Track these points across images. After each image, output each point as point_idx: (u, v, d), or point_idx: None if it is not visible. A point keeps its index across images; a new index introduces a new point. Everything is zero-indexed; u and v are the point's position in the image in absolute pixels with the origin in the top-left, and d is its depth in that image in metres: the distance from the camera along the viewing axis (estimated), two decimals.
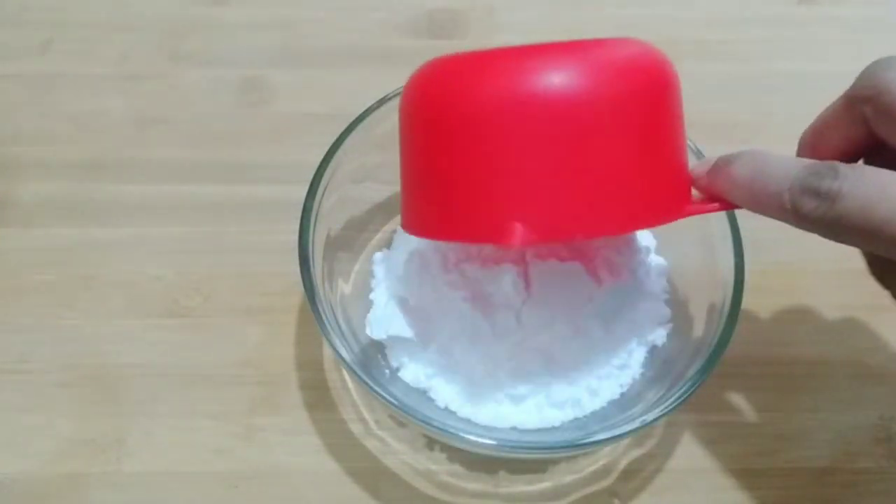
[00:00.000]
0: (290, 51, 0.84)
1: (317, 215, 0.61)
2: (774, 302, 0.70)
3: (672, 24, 0.86)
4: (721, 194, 0.51)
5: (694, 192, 0.52)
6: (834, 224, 0.44)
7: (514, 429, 0.61)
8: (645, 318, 0.64)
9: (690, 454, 0.65)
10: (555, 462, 0.64)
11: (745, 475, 0.64)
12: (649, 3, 0.88)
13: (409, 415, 0.54)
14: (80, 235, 0.73)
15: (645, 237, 0.67)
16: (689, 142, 0.63)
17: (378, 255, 0.67)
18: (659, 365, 0.63)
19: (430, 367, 0.62)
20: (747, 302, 0.58)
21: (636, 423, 0.55)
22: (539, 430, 0.61)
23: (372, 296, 0.65)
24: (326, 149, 0.62)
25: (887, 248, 0.43)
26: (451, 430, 0.54)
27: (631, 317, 0.63)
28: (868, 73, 0.51)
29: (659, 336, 0.63)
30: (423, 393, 0.62)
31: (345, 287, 0.66)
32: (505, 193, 0.47)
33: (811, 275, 0.72)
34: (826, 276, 0.72)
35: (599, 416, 0.62)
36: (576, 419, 0.62)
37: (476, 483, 0.63)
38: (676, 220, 0.51)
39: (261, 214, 0.73)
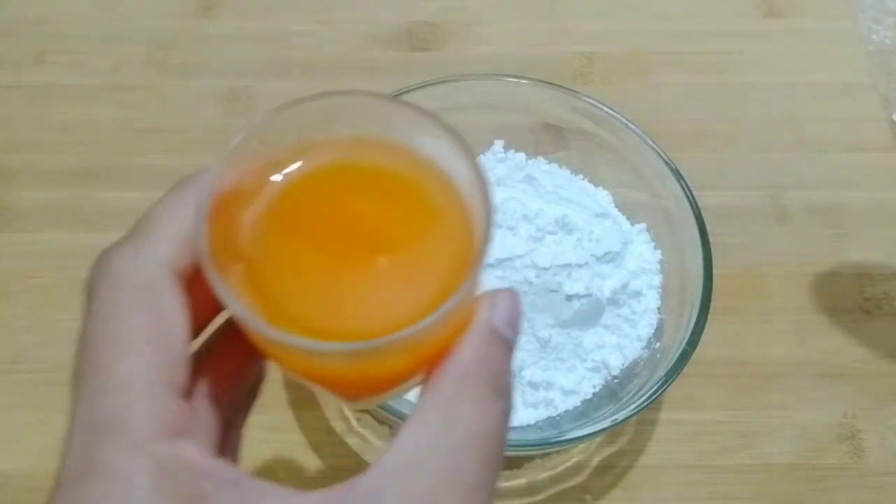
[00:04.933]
0: (276, 62, 0.85)
1: None
2: (741, 304, 0.72)
3: (643, 36, 0.87)
4: None
5: None
6: None
7: None
8: (617, 323, 0.65)
9: (661, 451, 0.66)
10: (529, 459, 0.66)
11: (714, 471, 0.65)
12: (621, 17, 0.89)
13: (389, 413, 0.55)
14: (72, 240, 0.74)
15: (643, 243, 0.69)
16: (660, 151, 0.65)
17: None
18: (630, 366, 0.64)
19: None
20: (715, 304, 0.60)
21: (608, 422, 0.57)
22: (514, 429, 0.62)
23: None
24: None
25: None
26: None
27: (606, 322, 0.65)
28: None
29: (630, 341, 0.65)
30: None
31: None
32: None
33: (777, 278, 0.73)
34: (791, 278, 0.73)
35: (572, 415, 0.63)
36: (549, 418, 0.63)
37: None
38: None
39: None
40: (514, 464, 0.65)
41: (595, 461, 0.66)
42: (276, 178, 0.36)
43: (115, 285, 0.32)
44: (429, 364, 0.33)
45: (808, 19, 0.88)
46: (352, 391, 0.38)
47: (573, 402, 0.63)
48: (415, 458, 0.30)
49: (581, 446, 0.66)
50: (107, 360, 0.31)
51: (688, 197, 0.63)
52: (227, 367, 0.36)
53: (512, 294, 0.34)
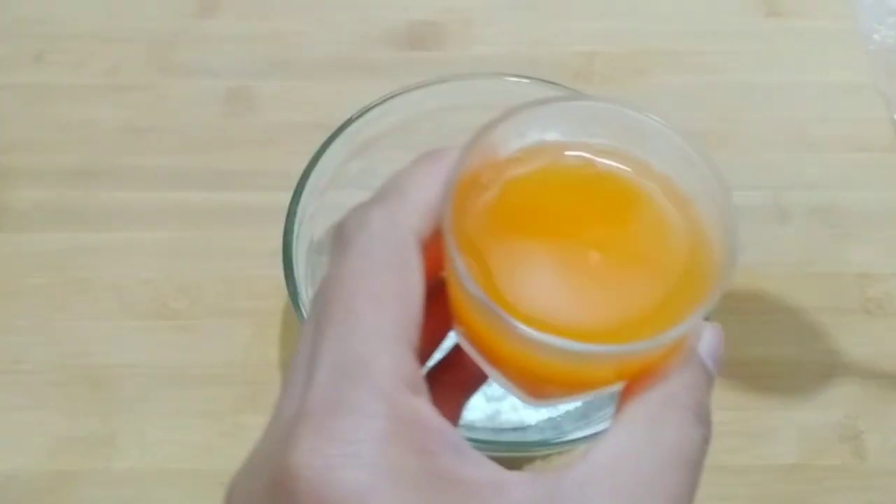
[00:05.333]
0: (276, 62, 0.85)
1: (300, 220, 0.61)
2: (744, 304, 0.72)
3: (644, 36, 0.87)
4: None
5: None
6: None
7: (489, 428, 0.62)
8: None
9: None
10: (530, 461, 0.65)
11: (715, 472, 0.65)
12: (622, 16, 0.89)
13: None
14: (72, 240, 0.74)
15: None
16: None
17: None
18: None
19: None
20: (717, 304, 0.59)
21: (609, 422, 0.56)
22: (515, 430, 0.62)
23: None
24: (310, 157, 0.63)
25: None
26: None
27: None
28: None
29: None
30: None
31: None
32: None
33: (778, 278, 0.73)
34: (792, 279, 0.73)
35: (573, 415, 0.63)
36: (550, 419, 0.63)
37: None
38: None
39: (247, 220, 0.75)
40: (514, 465, 0.64)
41: None
42: (512, 173, 0.37)
43: (372, 241, 0.34)
44: (631, 376, 0.34)
45: (809, 19, 0.88)
46: (541, 387, 0.39)
47: (574, 402, 0.63)
48: (620, 463, 0.31)
49: (582, 447, 0.65)
50: (359, 307, 0.32)
51: None
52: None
53: (718, 330, 0.36)
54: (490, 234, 0.35)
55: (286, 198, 0.61)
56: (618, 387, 0.35)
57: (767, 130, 0.81)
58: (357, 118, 0.65)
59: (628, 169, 0.37)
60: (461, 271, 0.32)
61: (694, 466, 0.33)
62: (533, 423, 0.62)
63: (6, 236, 0.74)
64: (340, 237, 0.35)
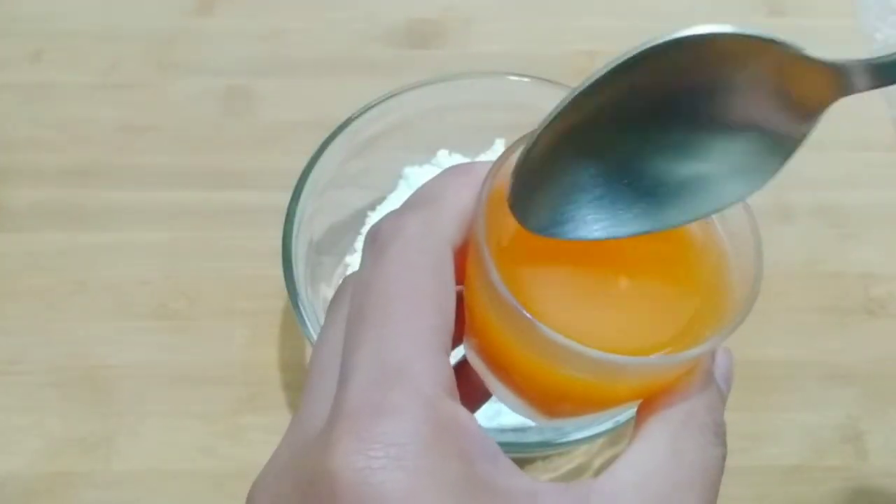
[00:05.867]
0: (275, 61, 0.85)
1: (300, 220, 0.61)
2: None
3: (644, 34, 0.85)
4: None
5: None
6: None
7: (490, 429, 0.62)
8: None
9: None
10: (531, 461, 0.65)
11: None
12: (623, 14, 0.89)
13: None
14: (70, 240, 0.74)
15: None
16: None
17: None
18: None
19: None
20: None
21: (610, 423, 0.56)
22: (515, 430, 0.62)
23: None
24: (309, 156, 0.63)
25: None
26: None
27: None
28: None
29: None
30: None
31: (327, 290, 0.67)
32: None
33: (781, 278, 0.73)
34: (795, 278, 0.73)
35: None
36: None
37: None
38: None
39: (246, 220, 0.74)
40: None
41: (597, 463, 0.66)
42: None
43: (409, 246, 0.34)
44: (648, 394, 0.35)
45: (812, 18, 0.88)
46: (556, 405, 0.39)
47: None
48: (647, 480, 0.32)
49: (583, 448, 0.66)
50: (398, 311, 0.32)
51: None
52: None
53: (729, 354, 0.38)
54: (520, 248, 0.36)
55: (285, 197, 0.61)
56: (632, 406, 0.36)
57: None
58: (357, 117, 0.65)
59: None
60: (495, 278, 0.32)
61: (714, 486, 0.34)
62: (533, 424, 0.62)
63: (3, 236, 0.74)
64: (375, 242, 0.35)
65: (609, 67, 0.33)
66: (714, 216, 0.37)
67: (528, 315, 0.32)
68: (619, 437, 0.66)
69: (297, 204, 0.61)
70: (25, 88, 0.83)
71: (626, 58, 0.33)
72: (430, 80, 0.67)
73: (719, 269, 0.36)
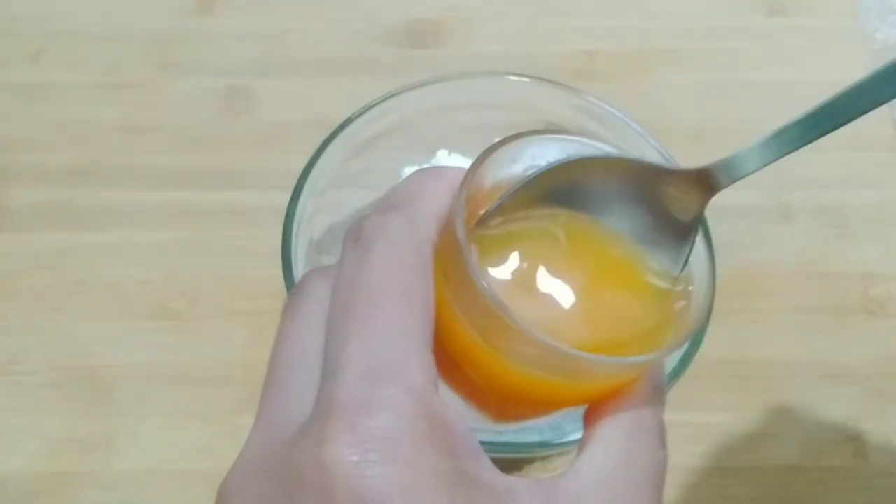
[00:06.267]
0: (274, 60, 0.85)
1: (300, 220, 0.61)
2: (744, 304, 0.72)
3: (645, 34, 0.87)
4: None
5: None
6: None
7: (490, 429, 0.62)
8: None
9: None
10: (530, 461, 0.65)
11: (716, 473, 0.65)
12: (623, 14, 0.89)
13: None
14: (69, 240, 0.74)
15: None
16: (662, 150, 0.64)
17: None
18: None
19: None
20: (717, 304, 0.59)
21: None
22: (514, 430, 0.62)
23: None
24: (309, 156, 0.63)
25: None
26: None
27: None
28: None
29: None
30: None
31: None
32: None
33: (780, 277, 0.73)
34: (794, 278, 0.73)
35: (574, 415, 0.62)
36: (550, 419, 0.62)
37: None
38: None
39: (246, 220, 0.74)
40: (514, 466, 0.65)
41: None
42: (512, 194, 0.38)
43: (395, 244, 0.35)
44: (594, 400, 0.37)
45: (812, 17, 0.88)
46: (509, 406, 0.41)
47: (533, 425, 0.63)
48: (606, 478, 0.34)
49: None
50: (387, 308, 0.33)
51: None
52: None
53: (661, 364, 0.40)
54: (491, 252, 0.37)
55: (285, 197, 0.61)
56: (581, 408, 0.38)
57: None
58: (357, 117, 0.65)
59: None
60: (475, 271, 0.33)
61: (661, 484, 0.35)
62: (533, 424, 0.62)
63: (3, 236, 0.74)
64: (358, 240, 0.35)
65: (524, 180, 0.38)
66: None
67: (509, 311, 0.32)
68: None
69: (296, 204, 0.61)
70: (25, 88, 0.83)
71: (532, 175, 0.38)
72: (429, 80, 0.67)
73: (682, 282, 0.39)
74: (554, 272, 0.38)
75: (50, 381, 0.67)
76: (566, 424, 0.61)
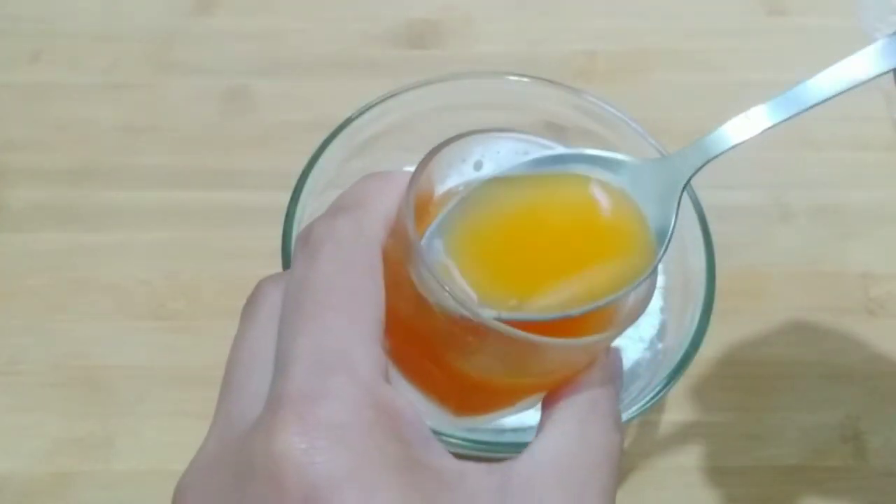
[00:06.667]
0: (274, 60, 0.85)
1: (300, 220, 0.61)
2: (744, 304, 0.72)
3: (644, 34, 0.87)
4: None
5: None
6: None
7: (490, 429, 0.62)
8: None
9: (664, 453, 0.66)
10: None
11: (717, 473, 0.65)
12: (622, 15, 0.89)
13: None
14: (69, 240, 0.74)
15: None
16: (662, 150, 0.64)
17: None
18: (632, 367, 0.64)
19: None
20: (718, 304, 0.59)
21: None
22: (516, 430, 0.62)
23: None
24: (309, 156, 0.63)
25: None
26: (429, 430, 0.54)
27: None
28: None
29: (631, 342, 0.64)
30: None
31: None
32: None
33: (780, 277, 0.73)
34: (795, 278, 0.73)
35: None
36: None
37: None
38: None
39: (245, 220, 0.74)
40: None
41: None
42: (465, 188, 0.40)
43: (342, 245, 0.36)
44: (551, 387, 0.38)
45: (812, 17, 0.88)
46: (464, 402, 0.41)
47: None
48: (559, 460, 0.35)
49: None
50: (334, 304, 0.34)
51: (690, 196, 0.63)
52: None
53: (618, 352, 0.41)
54: (448, 244, 0.38)
55: (285, 197, 0.61)
56: (538, 397, 0.39)
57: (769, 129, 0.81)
58: (356, 117, 0.65)
59: (579, 174, 0.42)
60: (430, 265, 0.34)
61: (616, 467, 0.36)
62: (533, 424, 0.61)
63: (2, 236, 0.74)
64: (307, 244, 0.36)
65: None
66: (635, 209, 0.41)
67: (468, 302, 0.34)
68: None
69: (296, 204, 0.61)
70: (24, 88, 0.83)
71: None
72: (429, 79, 0.67)
73: (633, 244, 0.40)
74: (510, 248, 0.39)
75: (50, 382, 0.67)
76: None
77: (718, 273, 0.60)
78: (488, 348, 0.36)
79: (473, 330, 0.34)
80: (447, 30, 0.88)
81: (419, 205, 0.37)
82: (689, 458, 0.66)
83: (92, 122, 0.81)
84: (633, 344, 0.64)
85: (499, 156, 0.40)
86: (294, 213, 0.61)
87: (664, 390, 0.57)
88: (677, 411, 0.67)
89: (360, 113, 0.65)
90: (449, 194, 0.40)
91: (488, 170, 0.40)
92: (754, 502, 0.65)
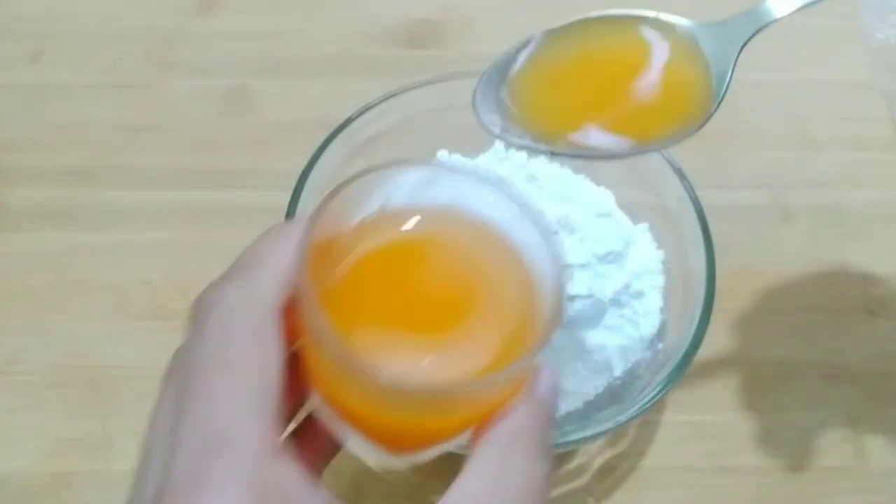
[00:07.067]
0: (274, 61, 0.85)
1: None
2: (744, 304, 0.72)
3: None
4: None
5: None
6: None
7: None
8: (619, 324, 0.65)
9: (663, 453, 0.66)
10: None
11: (717, 473, 0.65)
12: None
13: None
14: (69, 240, 0.74)
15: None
16: (662, 151, 0.64)
17: None
18: (632, 367, 0.64)
19: None
20: (718, 304, 0.59)
21: (610, 424, 0.56)
22: None
23: None
24: (309, 156, 0.63)
25: None
26: None
27: (608, 323, 0.64)
28: None
29: (632, 342, 0.64)
30: None
31: None
32: None
33: (780, 277, 0.73)
34: (795, 278, 0.73)
35: (574, 416, 0.62)
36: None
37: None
38: None
39: (245, 220, 0.74)
40: None
41: (597, 463, 0.66)
42: (359, 239, 0.39)
43: (225, 318, 0.35)
44: (479, 422, 0.36)
45: (812, 17, 0.87)
46: (400, 442, 0.40)
47: (575, 403, 0.63)
48: (477, 502, 0.34)
49: (583, 448, 0.66)
50: (218, 380, 0.33)
51: (690, 196, 0.63)
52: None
53: (553, 370, 0.38)
54: (344, 297, 0.37)
55: (285, 197, 0.61)
56: (468, 435, 0.38)
57: (769, 129, 0.81)
58: (357, 117, 0.65)
59: (469, 228, 0.40)
60: (323, 326, 0.33)
61: (542, 500, 0.35)
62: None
63: (3, 236, 0.74)
64: (197, 315, 0.36)
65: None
66: (518, 246, 0.39)
67: (360, 361, 0.33)
68: (617, 437, 0.67)
69: (297, 204, 0.61)
70: (25, 88, 0.83)
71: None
72: (429, 80, 0.67)
73: (531, 297, 0.38)
74: (410, 298, 0.39)
75: (50, 381, 0.67)
76: (567, 425, 0.61)
77: (719, 273, 0.60)
78: (394, 399, 0.35)
79: (374, 384, 0.34)
80: (447, 30, 0.88)
81: (326, 247, 0.37)
82: (689, 457, 0.66)
83: (92, 122, 0.81)
84: (633, 344, 0.64)
85: (404, 188, 0.40)
86: (294, 212, 0.61)
87: (664, 390, 0.57)
88: (677, 411, 0.67)
89: (361, 113, 0.65)
90: (363, 226, 0.40)
91: (398, 202, 0.40)
92: (755, 502, 0.65)
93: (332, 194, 0.37)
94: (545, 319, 0.37)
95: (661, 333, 0.64)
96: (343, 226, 0.39)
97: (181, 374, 0.34)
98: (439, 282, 0.39)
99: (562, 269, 0.37)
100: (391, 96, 0.66)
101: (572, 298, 0.61)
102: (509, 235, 0.39)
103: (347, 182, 0.38)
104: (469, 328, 0.38)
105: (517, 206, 0.39)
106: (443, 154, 0.71)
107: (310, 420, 0.41)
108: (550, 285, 0.37)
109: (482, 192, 0.40)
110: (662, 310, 0.65)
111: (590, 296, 0.61)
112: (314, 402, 0.40)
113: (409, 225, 0.40)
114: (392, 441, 0.40)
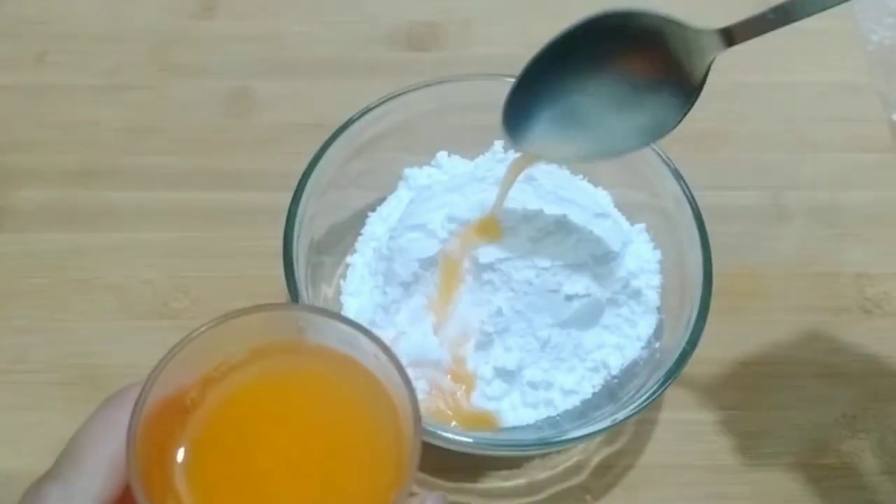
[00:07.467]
0: (276, 62, 0.85)
1: (301, 221, 0.62)
2: (741, 304, 0.72)
3: None
4: None
5: None
6: None
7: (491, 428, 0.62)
8: (617, 323, 0.65)
9: (661, 451, 0.66)
10: (529, 459, 0.66)
11: (714, 471, 0.65)
12: None
13: None
14: (72, 241, 0.74)
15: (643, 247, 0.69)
16: (659, 151, 0.65)
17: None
18: (630, 366, 0.64)
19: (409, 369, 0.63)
20: (715, 304, 0.59)
21: (608, 422, 0.57)
22: (514, 429, 0.62)
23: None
24: (310, 157, 0.63)
25: None
26: (430, 428, 0.55)
27: (605, 322, 0.65)
28: None
29: (629, 341, 0.65)
30: None
31: (327, 290, 0.67)
32: None
33: (777, 277, 0.73)
34: (792, 278, 0.73)
35: (572, 414, 0.63)
36: (549, 418, 0.62)
37: (453, 479, 0.65)
38: None
39: (247, 220, 0.75)
40: (513, 464, 0.65)
41: (595, 461, 0.66)
42: (205, 394, 0.38)
43: None
44: None
45: (809, 19, 0.87)
46: None
47: (573, 401, 0.63)
48: None
49: (581, 446, 0.66)
50: None
51: (687, 197, 0.63)
52: None
53: (441, 498, 0.39)
54: (190, 468, 0.36)
55: (286, 198, 0.62)
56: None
57: (766, 130, 0.81)
58: (357, 119, 0.65)
59: (324, 367, 0.40)
60: None
61: None
62: (532, 423, 0.62)
63: (7, 236, 0.74)
64: None
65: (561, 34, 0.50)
66: (377, 374, 0.38)
67: None
68: (615, 435, 0.67)
69: (298, 205, 0.62)
70: (28, 90, 0.83)
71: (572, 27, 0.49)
72: (430, 81, 0.68)
73: (396, 434, 0.38)
74: (266, 461, 0.38)
75: (53, 381, 0.68)
76: (565, 423, 0.62)
77: (716, 273, 0.60)
78: None
79: None
80: (447, 32, 0.88)
81: (171, 409, 0.36)
82: (686, 456, 0.66)
83: (95, 124, 0.81)
84: (630, 343, 0.64)
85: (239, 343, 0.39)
86: (296, 213, 0.61)
87: (661, 389, 0.57)
88: (674, 410, 0.67)
89: (361, 114, 0.66)
90: (225, 366, 0.39)
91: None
92: (750, 501, 0.65)
93: (170, 357, 0.37)
94: (404, 459, 0.36)
95: (658, 332, 0.65)
96: (182, 385, 0.38)
97: None
98: (301, 430, 0.38)
99: (416, 414, 0.36)
100: (391, 98, 0.67)
101: (570, 298, 0.61)
102: (375, 373, 0.39)
103: (187, 340, 0.38)
104: (335, 479, 0.37)
105: (382, 353, 0.38)
106: (442, 155, 0.71)
107: None
108: (409, 426, 0.36)
109: (332, 325, 0.39)
110: (659, 309, 0.66)
111: (587, 295, 0.62)
112: None
113: (257, 370, 0.39)
114: None
